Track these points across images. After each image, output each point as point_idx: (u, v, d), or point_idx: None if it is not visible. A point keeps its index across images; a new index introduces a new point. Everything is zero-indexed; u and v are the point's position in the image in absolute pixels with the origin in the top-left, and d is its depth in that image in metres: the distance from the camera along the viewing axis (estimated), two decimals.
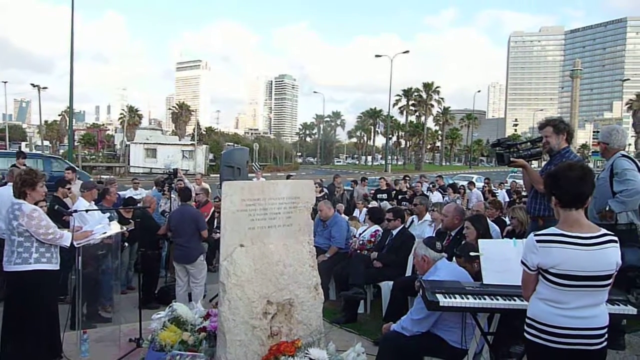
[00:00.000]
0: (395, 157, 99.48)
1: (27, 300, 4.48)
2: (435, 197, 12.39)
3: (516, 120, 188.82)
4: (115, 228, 5.60)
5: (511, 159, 4.45)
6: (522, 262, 2.84)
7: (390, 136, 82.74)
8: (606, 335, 2.74)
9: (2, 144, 43.21)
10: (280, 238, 3.92)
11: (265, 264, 3.81)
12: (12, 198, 4.66)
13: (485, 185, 16.04)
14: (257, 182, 4.22)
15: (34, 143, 47.28)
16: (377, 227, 7.43)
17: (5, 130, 46.92)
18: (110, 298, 6.45)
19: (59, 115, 77.10)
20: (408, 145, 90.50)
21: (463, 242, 4.48)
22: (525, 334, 2.82)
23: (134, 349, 4.92)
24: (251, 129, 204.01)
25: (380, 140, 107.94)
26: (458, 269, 4.09)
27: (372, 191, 14.81)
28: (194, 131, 56.83)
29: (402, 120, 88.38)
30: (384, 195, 13.21)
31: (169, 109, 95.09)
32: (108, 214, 6.07)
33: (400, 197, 12.83)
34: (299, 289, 3.95)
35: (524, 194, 11.95)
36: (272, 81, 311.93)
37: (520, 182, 16.67)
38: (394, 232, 6.86)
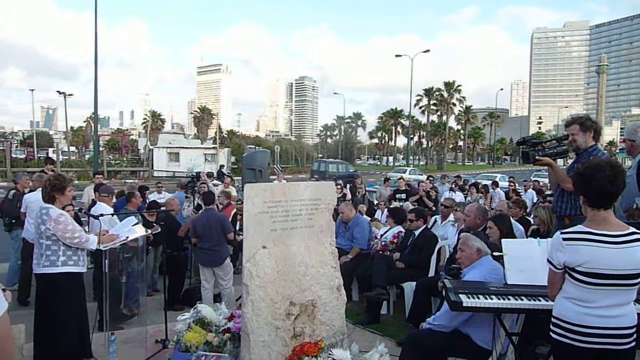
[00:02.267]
0: (417, 157, 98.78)
1: (55, 301, 4.60)
2: (458, 197, 12.27)
3: (540, 118, 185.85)
4: (140, 231, 5.69)
5: (537, 157, 4.40)
6: (549, 261, 2.81)
7: (412, 136, 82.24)
8: (635, 335, 2.69)
9: (31, 151, 44.26)
10: (302, 239, 3.94)
11: (287, 265, 3.84)
12: (41, 203, 4.78)
13: (510, 184, 15.81)
14: (279, 184, 4.24)
15: (61, 149, 48.26)
16: (399, 227, 7.40)
17: (33, 137, 48.03)
18: (136, 300, 6.57)
19: (84, 121, 78.78)
20: (430, 145, 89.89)
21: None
22: (552, 334, 2.79)
23: (160, 350, 5.00)
24: (272, 132, 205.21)
25: (401, 141, 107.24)
26: (498, 267, 4.08)
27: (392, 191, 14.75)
28: (216, 134, 57.44)
29: (423, 120, 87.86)
30: (403, 195, 13.15)
31: (191, 113, 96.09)
32: (134, 218, 6.17)
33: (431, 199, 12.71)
34: (322, 290, 3.96)
35: (547, 193, 11.75)
36: (292, 83, 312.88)
37: (544, 180, 16.39)
38: (417, 233, 6.83)
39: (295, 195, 3.97)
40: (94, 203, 7.68)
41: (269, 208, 3.82)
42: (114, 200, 7.40)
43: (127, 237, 5.35)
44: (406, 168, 47.85)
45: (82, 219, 8.05)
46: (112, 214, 5.89)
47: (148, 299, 7.10)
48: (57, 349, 4.60)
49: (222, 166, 33.58)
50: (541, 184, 15.40)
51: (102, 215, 5.23)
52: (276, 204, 3.85)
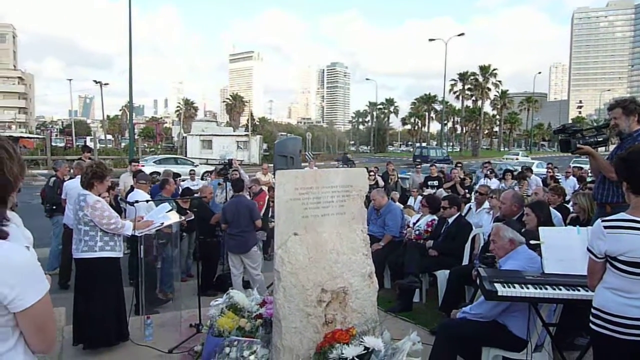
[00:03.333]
0: (451, 144, 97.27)
1: (94, 285, 4.75)
2: (493, 184, 12.04)
3: (580, 102, 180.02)
4: (174, 218, 5.80)
5: (577, 145, 4.26)
6: (589, 250, 2.73)
7: (446, 122, 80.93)
8: None
9: (70, 139, 45.56)
10: (333, 226, 3.94)
11: (319, 252, 3.84)
12: (79, 189, 4.93)
13: (549, 171, 15.41)
14: (310, 171, 4.25)
15: (98, 137, 49.55)
16: (433, 216, 7.33)
17: (72, 126, 49.41)
18: (170, 285, 6.72)
19: (120, 110, 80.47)
20: (464, 131, 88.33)
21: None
22: (591, 325, 2.72)
23: (194, 334, 5.12)
24: (304, 118, 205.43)
25: (435, 127, 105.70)
26: (535, 256, 4.00)
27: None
28: (248, 122, 57.87)
29: (457, 105, 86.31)
30: (435, 183, 12.99)
31: (223, 101, 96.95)
32: (168, 205, 6.29)
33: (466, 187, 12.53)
34: (353, 277, 3.96)
35: (589, 180, 11.41)
36: (323, 70, 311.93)
37: (586, 167, 15.90)
38: (450, 220, 6.75)
39: (327, 181, 3.96)
40: (131, 189, 7.89)
41: (300, 195, 3.82)
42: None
43: (162, 224, 5.47)
44: (518, 151, 48.34)
45: (121, 206, 8.27)
46: (147, 201, 6.01)
47: (182, 284, 7.26)
48: (96, 332, 4.76)
49: (346, 153, 34.26)
50: (582, 170, 14.95)
51: (137, 201, 5.35)
52: (307, 190, 3.85)
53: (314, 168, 15.74)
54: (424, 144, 57.26)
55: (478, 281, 3.79)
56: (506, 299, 3.53)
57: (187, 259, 8.22)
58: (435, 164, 16.19)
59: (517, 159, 42.28)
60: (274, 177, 4.07)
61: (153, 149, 47.33)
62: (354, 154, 70.44)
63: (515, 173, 13.15)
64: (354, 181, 4.08)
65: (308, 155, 40.10)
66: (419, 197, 10.03)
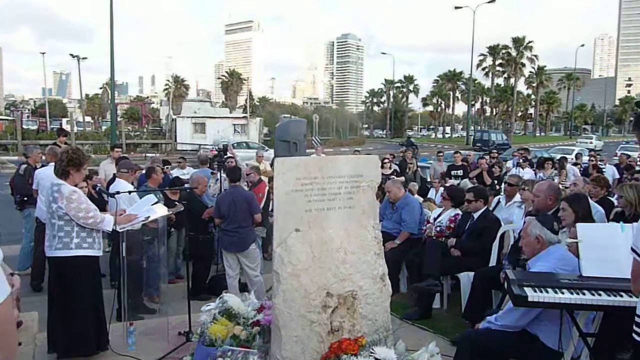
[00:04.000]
0: (479, 127, 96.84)
1: (69, 287, 4.79)
2: (527, 173, 11.99)
3: (630, 79, 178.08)
4: (161, 211, 5.82)
5: None
6: (633, 250, 2.72)
7: (473, 102, 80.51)
8: None
9: (43, 121, 45.79)
10: (340, 222, 3.95)
11: (324, 251, 3.86)
12: (52, 178, 4.94)
13: (591, 159, 15.29)
14: (314, 158, 4.25)
15: (76, 119, 49.78)
16: (456, 210, 7.32)
17: (46, 107, 49.66)
18: (157, 288, 6.78)
19: (100, 88, 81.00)
20: (494, 113, 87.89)
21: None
22: (634, 336, 2.71)
23: (183, 343, 5.16)
24: (310, 98, 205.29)
25: (460, 108, 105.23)
26: (569, 257, 3.98)
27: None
28: (246, 102, 57.91)
29: (487, 83, 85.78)
30: (459, 172, 12.95)
31: (218, 78, 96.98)
32: (154, 196, 6.31)
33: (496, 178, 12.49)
34: (363, 279, 3.98)
35: (637, 169, 11.33)
36: (333, 43, 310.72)
37: (634, 154, 15.78)
38: (476, 216, 6.73)
39: (333, 170, 3.96)
40: (113, 179, 7.92)
41: (303, 186, 3.83)
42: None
43: (147, 218, 5.50)
44: (592, 135, 48.78)
45: (105, 198, 8.30)
46: (130, 192, 6.04)
47: (170, 286, 7.31)
48: (72, 339, 4.81)
49: (409, 136, 34.44)
50: (630, 158, 14.85)
51: (117, 193, 5.38)
52: (311, 180, 3.86)
53: (322, 155, 15.73)
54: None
55: (506, 285, 3.79)
56: (538, 305, 3.53)
57: (176, 259, 8.27)
58: (494, 150, 16.21)
59: (591, 142, 42.57)
60: (272, 166, 4.08)
61: (138, 133, 47.44)
62: (367, 139, 70.32)
63: (555, 161, 13.10)
64: (364, 170, 4.08)
65: (315, 141, 40.12)
66: (441, 189, 10.01)
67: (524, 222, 4.90)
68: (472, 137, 52.52)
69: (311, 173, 3.87)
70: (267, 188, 9.07)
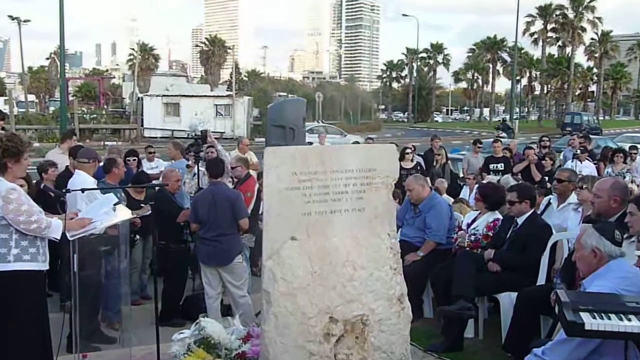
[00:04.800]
0: (526, 109, 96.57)
1: (8, 310, 4.79)
2: (586, 168, 11.95)
3: None
4: (123, 214, 5.82)
5: None
6: None
7: (519, 77, 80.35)
8: None
9: None
10: (347, 228, 3.95)
11: (326, 265, 3.86)
12: None
13: None
14: (315, 148, 4.26)
15: (16, 98, 49.90)
16: (495, 214, 7.31)
17: None
18: (117, 311, 6.78)
19: (47, 59, 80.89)
20: (546, 91, 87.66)
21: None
22: None
23: None
24: (312, 72, 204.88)
25: (502, 85, 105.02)
26: (635, 274, 3.97)
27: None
28: (232, 77, 57.86)
29: (536, 53, 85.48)
30: (500, 166, 12.90)
31: (196, 46, 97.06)
32: (114, 196, 6.31)
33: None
34: (376, 301, 3.98)
35: None
36: (341, 1, 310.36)
37: None
38: (520, 221, 6.73)
39: (339, 163, 3.96)
40: (67, 173, 7.94)
41: (301, 182, 3.83)
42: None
43: (104, 223, 5.51)
44: None
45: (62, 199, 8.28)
46: (82, 190, 6.05)
47: (134, 309, 7.32)
48: None
49: (504, 119, 34.67)
50: None
51: (68, 190, 5.39)
52: (311, 176, 3.86)
53: (327, 144, 15.74)
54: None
55: (557, 309, 3.79)
56: (597, 335, 3.53)
57: (142, 274, 8.28)
58: (577, 136, 16.15)
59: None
60: (263, 158, 4.05)
61: (95, 116, 47.46)
62: (383, 124, 70.31)
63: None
64: (378, 163, 4.08)
65: (318, 126, 40.05)
66: (477, 187, 10.00)
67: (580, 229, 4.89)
68: (561, 120, 56.35)
69: (311, 166, 3.88)
70: (257, 186, 9.07)
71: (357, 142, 28.70)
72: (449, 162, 14.29)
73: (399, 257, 4.20)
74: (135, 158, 10.45)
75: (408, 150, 12.89)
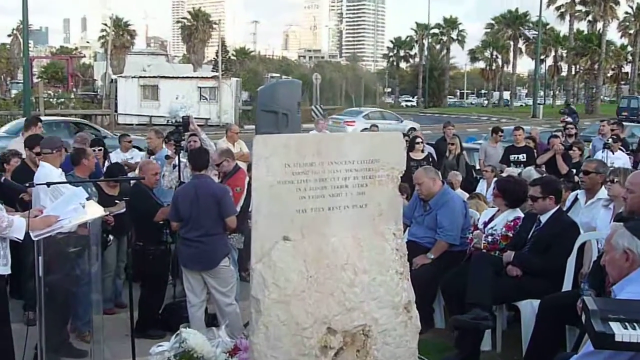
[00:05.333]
0: (552, 92, 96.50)
1: None
2: (619, 158, 11.94)
3: None
4: (94, 211, 5.83)
5: None
6: None
7: (543, 57, 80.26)
8: None
9: None
10: (347, 227, 3.96)
11: (323, 268, 3.87)
12: None
13: None
14: (311, 137, 4.26)
15: None
16: (516, 211, 7.32)
17: None
18: (88, 321, 6.78)
19: (9, 35, 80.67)
20: (574, 72, 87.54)
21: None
22: None
23: None
24: (309, 51, 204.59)
25: (525, 65, 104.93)
26: None
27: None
28: (218, 56, 57.76)
29: (563, 29, 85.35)
30: (522, 157, 12.88)
31: (178, 21, 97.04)
32: (84, 191, 6.30)
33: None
34: (380, 309, 3.99)
35: None
36: None
37: None
38: (544, 219, 6.73)
39: (338, 154, 3.97)
40: (23, 167, 7.92)
41: (294, 175, 3.84)
42: None
43: (73, 221, 5.51)
44: None
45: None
46: (48, 184, 6.05)
47: (108, 318, 7.33)
48: None
49: (569, 103, 34.72)
50: None
51: (31, 184, 5.38)
52: (306, 168, 3.86)
53: (325, 132, 15.67)
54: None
55: (584, 318, 3.80)
56: (628, 348, 3.53)
57: (116, 279, 8.29)
58: (607, 122, 16.03)
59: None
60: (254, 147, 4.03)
61: (63, 100, 47.37)
62: (390, 108, 70.27)
63: None
64: (382, 153, 4.08)
65: (317, 111, 39.99)
66: (495, 181, 10.00)
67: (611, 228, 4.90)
68: (617, 104, 55.77)
69: (306, 157, 3.88)
70: (248, 179, 9.06)
71: (414, 129, 28.95)
72: (464, 152, 14.26)
73: (406, 259, 4.20)
74: (100, 148, 10.41)
75: (418, 140, 12.88)
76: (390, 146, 4.15)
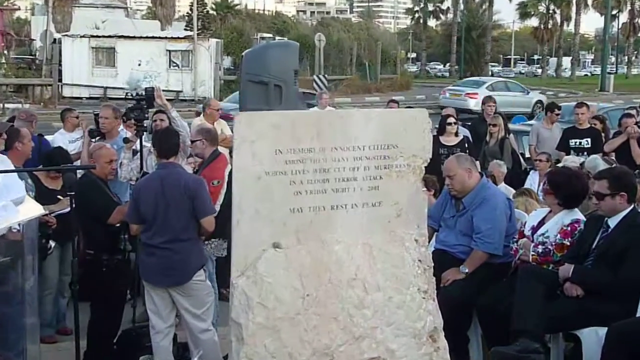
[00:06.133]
0: (627, 59, 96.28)
1: None
2: None
3: None
4: (29, 210, 5.85)
5: None
6: None
7: (615, 12, 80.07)
8: None
9: None
10: (356, 231, 3.97)
11: (325, 285, 3.89)
12: None
13: None
14: (310, 115, 4.24)
15: None
16: (575, 213, 7.31)
17: None
18: (21, 350, 6.81)
19: None
20: None
21: None
22: None
23: None
24: (310, 4, 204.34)
25: (591, 22, 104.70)
26: None
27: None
28: (192, 10, 57.68)
29: None
30: (585, 142, 12.84)
31: None
32: (19, 183, 6.33)
33: None
34: (398, 338, 4.01)
35: None
36: None
37: None
38: (612, 223, 6.73)
39: (344, 137, 3.98)
40: None
41: (288, 165, 3.85)
42: None
43: (2, 223, 5.53)
44: None
45: None
46: None
47: (46, 348, 7.36)
48: None
49: None
50: None
51: None
52: (303, 156, 3.87)
53: (329, 108, 15.67)
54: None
55: None
56: None
57: (59, 298, 8.30)
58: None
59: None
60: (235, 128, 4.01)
61: None
62: (414, 81, 70.15)
63: None
64: (401, 136, 4.09)
65: (319, 82, 39.96)
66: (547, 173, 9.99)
67: None
68: None
69: (303, 141, 3.89)
70: (230, 169, 9.06)
71: (540, 102, 28.61)
72: (510, 135, 14.21)
73: (432, 274, 4.21)
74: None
75: (450, 120, 12.82)
76: (412, 127, 4.15)
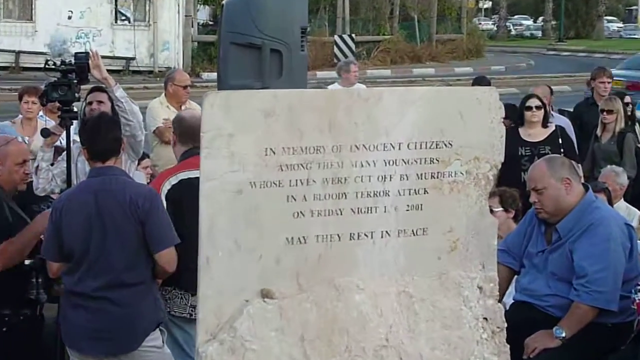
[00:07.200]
0: None
1: None
2: None
3: None
4: None
5: None
6: None
7: None
8: None
9: None
10: (387, 274, 3.99)
11: (340, 354, 3.90)
12: None
13: None
14: (322, 95, 4.22)
15: None
16: None
17: None
18: None
19: None
20: None
21: None
22: None
23: None
24: None
25: None
26: None
27: None
28: None
29: None
30: None
31: None
32: None
33: None
34: None
35: None
36: None
37: None
38: None
39: (368, 131, 3.98)
40: None
41: (283, 172, 3.85)
42: None
43: None
44: None
45: None
46: None
47: None
48: None
49: None
50: None
51: None
52: (307, 158, 3.88)
53: (358, 86, 15.67)
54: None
55: None
56: None
57: None
58: None
59: None
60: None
61: None
62: (489, 42, 70.26)
63: None
64: (455, 130, 4.10)
65: (342, 44, 40.13)
66: None
67: None
68: None
69: (307, 136, 3.90)
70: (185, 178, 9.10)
71: None
72: (637, 126, 14.21)
73: (505, 339, 4.23)
74: None
75: (533, 101, 12.67)
76: (475, 115, 4.16)
